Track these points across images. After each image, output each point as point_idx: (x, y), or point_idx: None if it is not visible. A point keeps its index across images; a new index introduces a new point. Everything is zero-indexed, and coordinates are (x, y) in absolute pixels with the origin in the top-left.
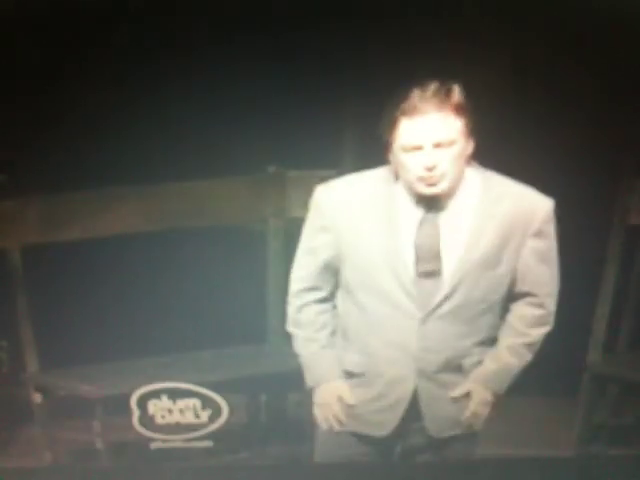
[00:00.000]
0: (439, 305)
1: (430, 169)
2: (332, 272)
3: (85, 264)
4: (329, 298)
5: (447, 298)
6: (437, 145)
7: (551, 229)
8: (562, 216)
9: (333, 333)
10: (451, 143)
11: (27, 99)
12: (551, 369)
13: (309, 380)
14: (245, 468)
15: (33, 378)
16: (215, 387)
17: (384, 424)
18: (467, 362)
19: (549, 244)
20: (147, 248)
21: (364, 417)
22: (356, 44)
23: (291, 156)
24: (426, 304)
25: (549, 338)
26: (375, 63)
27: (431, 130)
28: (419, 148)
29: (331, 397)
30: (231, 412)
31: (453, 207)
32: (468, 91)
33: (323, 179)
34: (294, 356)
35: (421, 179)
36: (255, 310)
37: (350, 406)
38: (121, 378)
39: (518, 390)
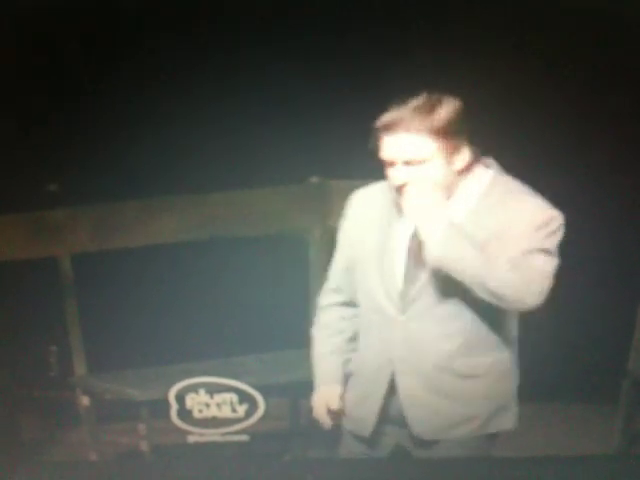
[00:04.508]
0: (419, 306)
1: (400, 186)
2: (350, 276)
3: (133, 272)
4: (350, 304)
5: (427, 299)
6: (407, 163)
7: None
8: (602, 225)
9: (351, 340)
10: (422, 162)
11: (79, 111)
12: (591, 375)
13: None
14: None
15: (81, 382)
16: (257, 391)
17: (365, 424)
18: (458, 364)
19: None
20: (193, 256)
21: (352, 415)
22: (396, 54)
23: (333, 166)
24: (407, 307)
25: (590, 345)
26: (414, 72)
27: (401, 148)
28: (392, 164)
29: (320, 400)
30: (267, 407)
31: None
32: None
33: None
34: None
35: (397, 192)
36: (297, 316)
37: (339, 409)
38: (166, 382)
39: (558, 396)
